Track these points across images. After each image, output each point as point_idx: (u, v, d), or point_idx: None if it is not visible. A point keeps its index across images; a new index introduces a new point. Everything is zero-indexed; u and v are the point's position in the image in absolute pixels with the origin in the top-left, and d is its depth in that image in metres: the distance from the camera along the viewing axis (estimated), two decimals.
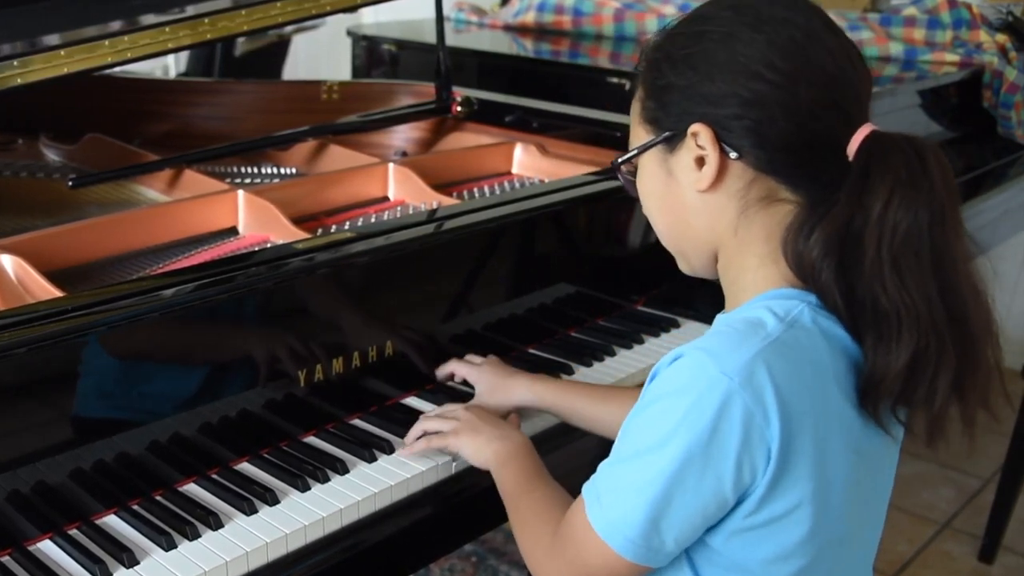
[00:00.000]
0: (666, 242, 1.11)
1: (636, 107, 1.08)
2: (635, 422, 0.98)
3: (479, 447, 1.24)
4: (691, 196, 1.03)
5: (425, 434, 1.30)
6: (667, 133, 1.03)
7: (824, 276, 0.95)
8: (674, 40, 1.03)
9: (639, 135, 1.07)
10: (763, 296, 0.99)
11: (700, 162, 1.00)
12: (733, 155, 0.98)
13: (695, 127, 0.99)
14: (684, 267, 1.11)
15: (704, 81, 0.98)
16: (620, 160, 1.10)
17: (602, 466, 1.00)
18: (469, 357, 1.47)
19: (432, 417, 1.32)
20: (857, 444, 0.98)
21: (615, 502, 0.97)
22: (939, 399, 0.94)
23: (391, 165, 1.75)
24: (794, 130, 0.96)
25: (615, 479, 0.98)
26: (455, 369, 1.45)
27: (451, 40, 2.22)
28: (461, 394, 1.45)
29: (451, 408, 1.33)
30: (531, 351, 1.62)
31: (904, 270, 0.92)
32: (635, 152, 1.07)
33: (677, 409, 0.92)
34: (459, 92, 2.06)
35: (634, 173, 1.10)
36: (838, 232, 0.94)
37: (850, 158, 0.96)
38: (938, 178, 0.93)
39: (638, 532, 0.95)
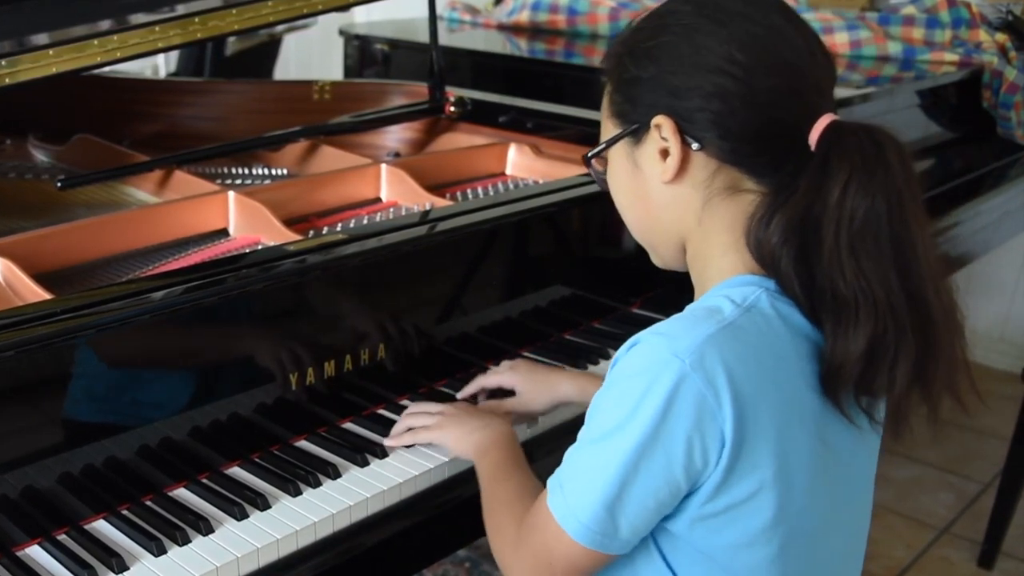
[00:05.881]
0: (636, 235, 1.13)
1: (605, 102, 1.09)
2: (595, 409, 0.99)
3: (461, 437, 1.26)
4: (657, 188, 1.04)
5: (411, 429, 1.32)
6: (633, 126, 1.05)
7: (784, 263, 0.96)
8: (638, 34, 1.05)
9: (608, 129, 1.09)
10: (724, 284, 1.01)
11: (664, 154, 1.02)
12: (695, 146, 1.00)
13: (658, 119, 1.01)
14: (656, 260, 1.13)
15: (666, 74, 1.00)
16: (590, 155, 1.12)
17: (567, 454, 1.01)
18: (493, 369, 1.45)
19: (416, 412, 1.33)
20: (822, 434, 0.98)
21: (574, 488, 0.98)
22: (899, 386, 0.95)
23: (384, 166, 1.74)
24: (754, 119, 0.98)
25: (575, 465, 0.99)
26: (485, 383, 1.43)
27: (444, 40, 2.21)
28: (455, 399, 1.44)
29: (434, 404, 1.35)
30: (525, 354, 1.61)
31: (862, 256, 0.93)
32: (603, 146, 1.09)
33: (633, 393, 0.93)
34: (452, 92, 2.05)
35: (605, 168, 1.12)
36: (797, 219, 0.95)
37: (812, 148, 0.97)
38: (896, 165, 0.94)
39: (591, 517, 0.96)
